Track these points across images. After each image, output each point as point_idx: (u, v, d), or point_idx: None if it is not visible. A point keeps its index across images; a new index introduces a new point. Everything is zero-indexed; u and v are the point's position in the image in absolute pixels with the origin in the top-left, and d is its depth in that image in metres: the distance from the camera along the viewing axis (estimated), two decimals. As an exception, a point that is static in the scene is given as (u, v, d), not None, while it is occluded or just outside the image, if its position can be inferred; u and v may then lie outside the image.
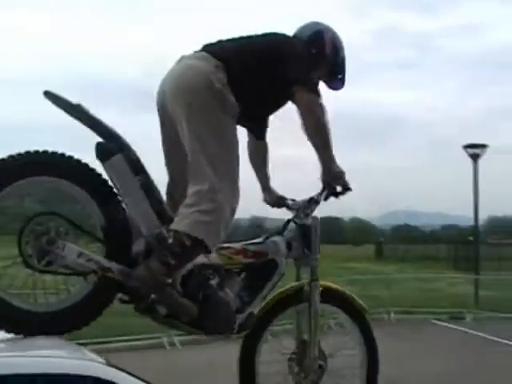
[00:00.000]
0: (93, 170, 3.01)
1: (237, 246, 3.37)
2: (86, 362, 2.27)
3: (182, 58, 3.32)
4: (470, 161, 19.89)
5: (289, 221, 3.58)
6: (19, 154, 2.85)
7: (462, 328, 15.59)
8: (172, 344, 12.96)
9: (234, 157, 3.17)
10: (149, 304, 3.05)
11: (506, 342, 13.53)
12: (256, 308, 3.43)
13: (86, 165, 2.99)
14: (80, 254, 2.88)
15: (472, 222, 22.56)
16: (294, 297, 3.59)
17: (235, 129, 3.22)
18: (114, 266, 2.95)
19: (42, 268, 2.85)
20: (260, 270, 3.40)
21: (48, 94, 3.02)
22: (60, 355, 2.36)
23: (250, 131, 3.66)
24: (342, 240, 73.63)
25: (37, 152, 2.91)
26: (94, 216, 3.02)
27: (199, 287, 3.16)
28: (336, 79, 3.64)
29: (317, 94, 3.25)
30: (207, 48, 3.29)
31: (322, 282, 3.56)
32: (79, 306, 2.95)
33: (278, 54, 3.28)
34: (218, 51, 3.23)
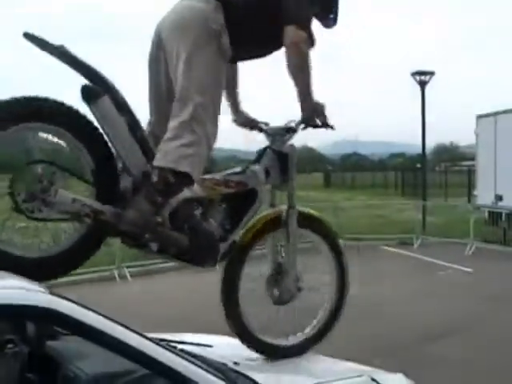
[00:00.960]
0: (78, 112, 2.95)
1: (218, 176, 3.42)
2: (26, 291, 2.16)
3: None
4: (418, 88, 19.89)
5: (266, 148, 3.58)
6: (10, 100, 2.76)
7: (409, 253, 15.94)
8: (123, 276, 12.93)
9: (219, 93, 3.24)
10: (141, 242, 3.12)
11: (450, 265, 13.89)
12: (237, 236, 3.50)
13: (70, 107, 2.93)
14: (74, 200, 2.89)
15: (419, 150, 22.78)
16: (273, 223, 3.62)
17: (224, 69, 3.26)
18: (106, 208, 2.98)
19: (36, 215, 2.83)
20: (240, 199, 3.45)
21: (28, 36, 2.92)
22: None
23: None
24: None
25: (26, 98, 2.81)
26: (82, 159, 2.98)
27: (185, 220, 3.22)
28: (328, 17, 3.54)
29: (306, 31, 3.23)
30: None
31: (300, 209, 3.62)
32: (70, 252, 2.97)
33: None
34: None
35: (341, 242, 3.90)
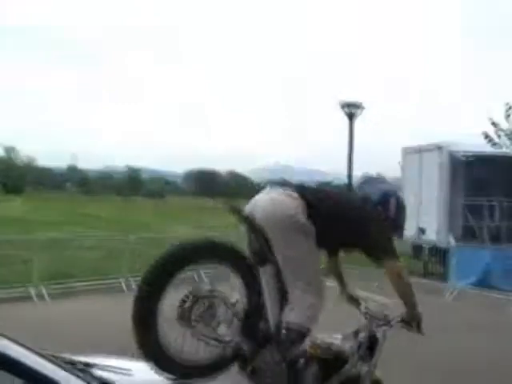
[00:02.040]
0: (250, 264, 3.91)
1: (323, 343, 4.12)
2: None
3: (271, 190, 4.11)
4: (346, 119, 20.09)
5: (363, 327, 4.26)
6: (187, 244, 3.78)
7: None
8: (40, 296, 12.52)
9: (318, 270, 4.06)
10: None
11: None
12: None
13: (242, 254, 3.90)
14: (228, 331, 3.78)
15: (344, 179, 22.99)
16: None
17: (315, 247, 4.00)
18: (248, 344, 3.88)
19: (203, 338, 3.72)
20: (332, 363, 4.08)
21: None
22: None
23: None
24: (221, 193, 74.52)
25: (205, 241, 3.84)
26: (240, 299, 3.86)
27: (295, 371, 3.96)
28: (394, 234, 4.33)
29: (397, 258, 4.12)
30: (298, 189, 4.07)
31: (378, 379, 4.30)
32: (208, 366, 3.80)
33: (359, 221, 4.13)
34: (308, 196, 4.01)
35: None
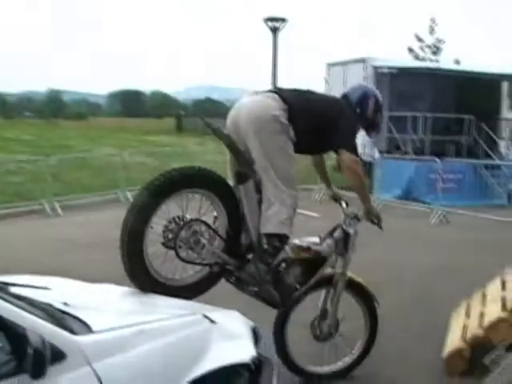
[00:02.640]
0: (229, 186, 4.21)
1: (304, 244, 4.54)
2: None
3: (257, 93, 4.39)
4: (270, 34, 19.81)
5: (338, 226, 4.72)
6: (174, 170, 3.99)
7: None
8: None
9: (293, 167, 4.25)
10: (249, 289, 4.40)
11: (299, 211, 14.04)
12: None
13: (224, 180, 4.20)
14: (213, 253, 4.13)
15: None
16: (327, 280, 4.76)
17: (292, 147, 4.23)
18: (232, 261, 4.24)
19: (187, 259, 4.06)
20: (314, 263, 4.56)
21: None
22: None
23: None
24: (144, 113, 72.99)
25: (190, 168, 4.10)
26: (221, 219, 4.20)
27: (276, 273, 4.35)
28: (372, 132, 4.80)
29: (356, 154, 4.33)
30: (279, 91, 4.34)
31: (350, 276, 4.82)
32: (195, 285, 4.18)
33: (334, 120, 4.36)
34: (288, 97, 4.26)
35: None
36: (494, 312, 5.30)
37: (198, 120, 52.30)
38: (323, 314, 4.88)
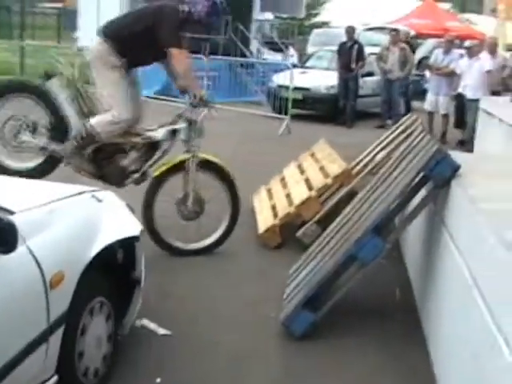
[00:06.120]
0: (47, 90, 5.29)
1: (138, 130, 5.36)
2: None
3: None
4: None
5: (179, 115, 5.31)
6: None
7: None
8: None
9: (120, 89, 5.26)
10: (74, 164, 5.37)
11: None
12: (150, 169, 5.35)
13: (40, 86, 5.35)
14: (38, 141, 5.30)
15: None
16: (180, 164, 5.28)
17: (122, 75, 5.24)
18: (57, 146, 5.27)
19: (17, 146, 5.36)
20: (149, 147, 5.32)
21: None
22: None
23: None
24: None
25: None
26: (45, 117, 5.32)
27: (105, 156, 5.33)
28: (211, 22, 5.35)
29: (180, 46, 5.05)
30: (103, 30, 5.28)
31: (202, 155, 5.32)
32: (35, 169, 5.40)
33: (154, 28, 5.14)
34: (108, 33, 5.23)
35: None
36: (302, 192, 5.95)
37: None
38: (184, 197, 5.35)
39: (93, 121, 5.21)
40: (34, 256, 2.65)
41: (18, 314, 2.58)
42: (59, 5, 44.62)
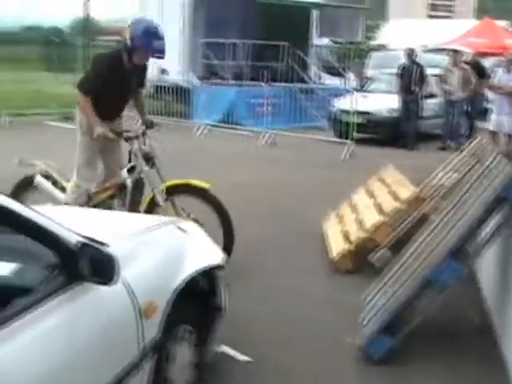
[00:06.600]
0: None
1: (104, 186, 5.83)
2: None
3: None
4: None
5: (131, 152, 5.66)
6: None
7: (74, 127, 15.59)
8: None
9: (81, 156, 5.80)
10: None
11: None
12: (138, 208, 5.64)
13: None
14: None
15: (54, 23, 22.06)
16: (153, 203, 5.61)
17: (89, 142, 5.71)
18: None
19: None
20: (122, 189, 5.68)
21: None
22: None
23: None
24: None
25: None
26: None
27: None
28: (148, 46, 5.42)
29: (84, 92, 5.51)
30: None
31: (167, 183, 5.60)
32: None
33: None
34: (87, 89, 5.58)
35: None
36: (373, 217, 5.96)
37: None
38: None
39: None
40: (127, 286, 2.74)
41: (113, 343, 2.66)
42: (117, 37, 45.70)
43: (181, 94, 17.36)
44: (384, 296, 4.47)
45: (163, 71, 17.65)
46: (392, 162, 7.61)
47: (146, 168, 5.54)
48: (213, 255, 3.64)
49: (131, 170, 5.59)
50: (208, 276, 3.57)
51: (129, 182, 5.58)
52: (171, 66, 17.28)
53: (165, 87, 18.12)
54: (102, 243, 2.71)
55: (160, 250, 3.22)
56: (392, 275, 4.77)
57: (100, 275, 2.46)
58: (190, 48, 17.40)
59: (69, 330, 2.40)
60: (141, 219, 3.58)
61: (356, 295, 5.00)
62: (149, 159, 5.53)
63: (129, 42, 5.40)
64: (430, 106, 14.52)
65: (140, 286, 2.83)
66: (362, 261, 5.70)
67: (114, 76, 5.43)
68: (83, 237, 2.58)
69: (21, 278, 2.61)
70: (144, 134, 5.67)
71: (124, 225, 3.39)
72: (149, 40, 5.38)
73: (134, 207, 5.52)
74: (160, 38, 5.46)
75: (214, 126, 15.35)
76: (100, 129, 5.36)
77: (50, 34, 48.93)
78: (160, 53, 5.41)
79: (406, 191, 6.01)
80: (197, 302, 3.54)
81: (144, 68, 5.79)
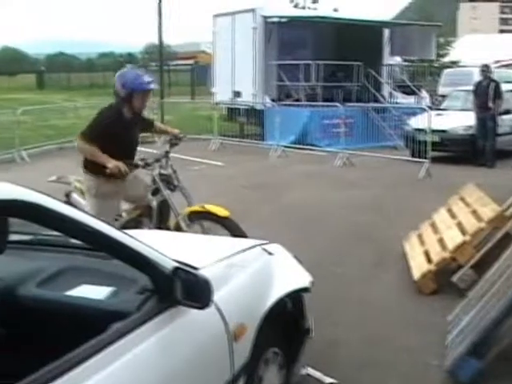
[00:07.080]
0: None
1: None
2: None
3: None
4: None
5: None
6: None
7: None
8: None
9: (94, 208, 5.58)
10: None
11: (201, 160, 14.27)
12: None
13: None
14: None
15: (127, 50, 22.61)
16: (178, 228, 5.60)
17: (96, 199, 5.64)
18: None
19: None
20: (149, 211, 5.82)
21: None
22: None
23: None
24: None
25: None
26: None
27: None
28: (148, 88, 5.60)
29: (84, 140, 5.44)
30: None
31: (188, 209, 5.68)
32: None
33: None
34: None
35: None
36: (455, 236, 5.89)
37: (61, 75, 50.87)
38: None
39: None
40: (219, 309, 2.80)
41: (207, 366, 2.71)
42: (191, 61, 46.75)
43: (254, 115, 17.55)
44: (470, 317, 4.41)
45: (237, 94, 17.93)
46: (470, 180, 7.53)
47: (166, 192, 5.69)
48: (300, 278, 3.67)
49: (156, 193, 5.75)
50: (295, 298, 3.60)
51: (154, 205, 5.74)
52: (245, 88, 17.54)
53: (238, 109, 18.39)
54: (193, 267, 2.78)
55: (249, 272, 3.28)
56: (477, 295, 4.70)
57: (194, 299, 2.52)
58: (263, 70, 17.62)
59: (164, 355, 2.46)
60: (228, 242, 3.65)
61: (440, 316, 4.95)
62: (169, 182, 5.71)
63: (123, 92, 5.53)
64: (507, 122, 14.24)
65: (231, 309, 2.89)
66: (445, 281, 5.64)
67: (116, 127, 5.46)
68: (176, 261, 2.65)
69: (117, 303, 2.69)
70: (167, 155, 5.81)
71: (212, 248, 3.46)
72: (138, 78, 5.59)
73: (161, 226, 5.68)
74: (143, 73, 5.75)
75: (288, 147, 15.45)
76: (112, 163, 5.31)
77: (124, 59, 50.38)
78: (151, 83, 5.62)
79: (489, 210, 5.92)
80: (284, 324, 3.57)
81: (141, 116, 5.86)
